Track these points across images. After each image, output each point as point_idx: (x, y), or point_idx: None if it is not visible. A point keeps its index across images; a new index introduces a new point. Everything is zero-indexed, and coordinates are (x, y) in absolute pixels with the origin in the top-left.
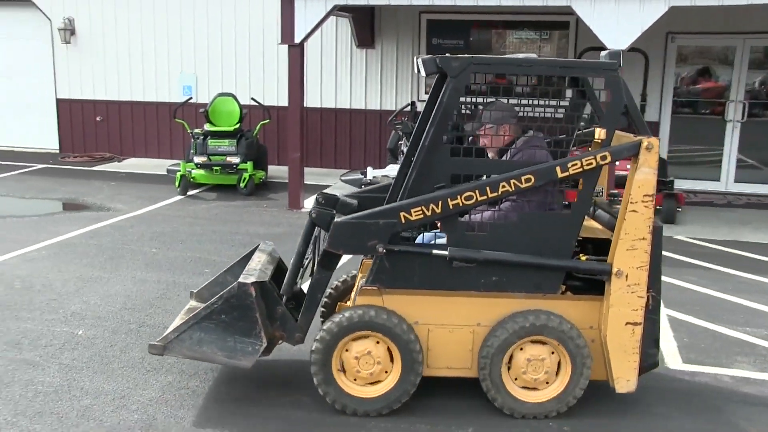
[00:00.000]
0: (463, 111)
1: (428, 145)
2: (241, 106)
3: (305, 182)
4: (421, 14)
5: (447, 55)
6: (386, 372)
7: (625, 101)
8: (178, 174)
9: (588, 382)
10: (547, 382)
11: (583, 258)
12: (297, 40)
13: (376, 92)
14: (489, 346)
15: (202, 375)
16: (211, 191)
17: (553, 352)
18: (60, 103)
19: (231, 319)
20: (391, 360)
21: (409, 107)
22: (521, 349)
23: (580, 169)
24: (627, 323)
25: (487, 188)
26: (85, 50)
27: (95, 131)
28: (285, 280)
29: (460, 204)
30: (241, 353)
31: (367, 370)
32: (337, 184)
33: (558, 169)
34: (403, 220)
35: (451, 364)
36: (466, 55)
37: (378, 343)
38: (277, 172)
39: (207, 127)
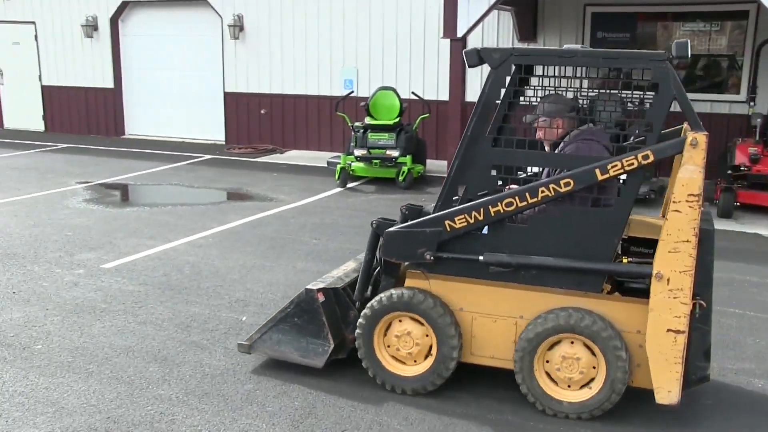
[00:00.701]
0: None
1: (470, 135)
2: (402, 100)
3: None
4: (585, 6)
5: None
6: (426, 352)
7: (673, 94)
8: (338, 166)
9: (624, 387)
10: (589, 382)
11: (626, 260)
12: (459, 34)
13: None
14: (522, 339)
15: (358, 365)
16: (370, 184)
17: (591, 353)
18: (227, 96)
19: (302, 322)
20: (430, 342)
21: None
22: (554, 346)
23: (621, 170)
24: (668, 330)
25: (527, 194)
26: (252, 45)
27: (259, 124)
28: (356, 287)
29: (501, 211)
30: (313, 353)
31: (405, 350)
32: None
33: (598, 171)
34: (449, 228)
35: (494, 354)
36: (506, 47)
37: (415, 323)
38: (435, 166)
39: (367, 120)
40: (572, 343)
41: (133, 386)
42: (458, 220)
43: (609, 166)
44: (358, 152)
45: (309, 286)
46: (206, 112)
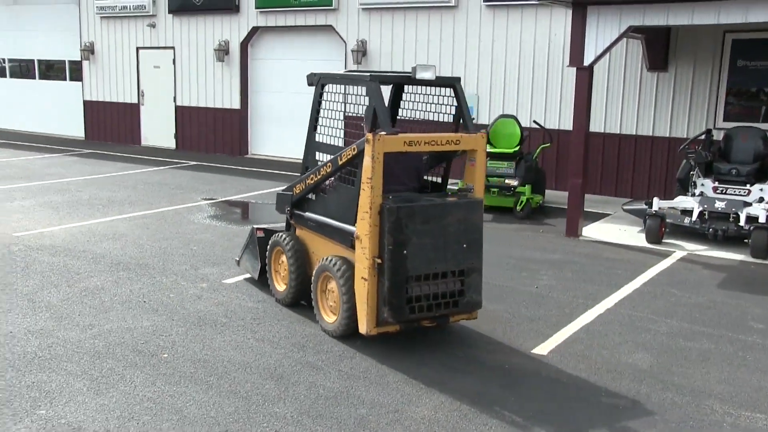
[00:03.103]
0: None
1: (308, 131)
2: (522, 129)
3: (584, 209)
4: (725, 33)
5: (314, 72)
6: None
7: (374, 106)
8: None
9: (348, 315)
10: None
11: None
12: (586, 62)
13: (666, 118)
14: (313, 275)
15: (473, 397)
16: (487, 212)
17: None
18: (347, 119)
19: (252, 249)
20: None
21: (704, 135)
22: (328, 282)
23: (346, 159)
24: (361, 278)
25: (317, 171)
26: (373, 68)
27: None
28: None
29: (309, 182)
30: (254, 270)
31: (283, 273)
32: (618, 213)
33: (338, 158)
34: (294, 192)
35: None
36: (320, 72)
37: (283, 254)
38: (554, 197)
39: (487, 148)
40: (334, 280)
41: (250, 402)
42: (297, 187)
43: (342, 155)
44: None
45: (254, 226)
46: None
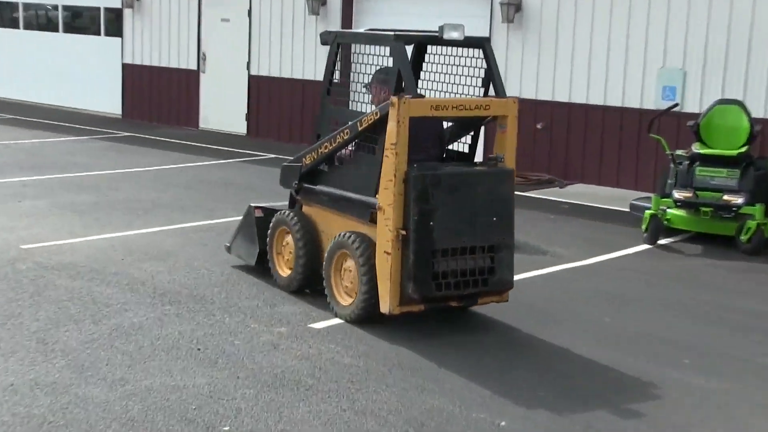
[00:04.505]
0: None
1: (321, 95)
2: (753, 121)
3: None
4: None
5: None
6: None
7: (398, 67)
8: (647, 213)
9: (368, 296)
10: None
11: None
12: None
13: None
14: (326, 254)
15: None
16: (694, 242)
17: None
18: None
19: (248, 231)
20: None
21: None
22: (345, 260)
23: (367, 124)
24: (384, 252)
25: (332, 139)
26: (531, 33)
27: (533, 143)
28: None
29: (323, 151)
30: (250, 255)
31: (287, 256)
32: None
33: (358, 124)
34: (303, 163)
35: None
36: (335, 30)
37: (288, 234)
38: None
39: (696, 147)
40: (352, 258)
41: None
42: (308, 157)
43: (363, 120)
44: (678, 194)
45: (251, 204)
46: None
